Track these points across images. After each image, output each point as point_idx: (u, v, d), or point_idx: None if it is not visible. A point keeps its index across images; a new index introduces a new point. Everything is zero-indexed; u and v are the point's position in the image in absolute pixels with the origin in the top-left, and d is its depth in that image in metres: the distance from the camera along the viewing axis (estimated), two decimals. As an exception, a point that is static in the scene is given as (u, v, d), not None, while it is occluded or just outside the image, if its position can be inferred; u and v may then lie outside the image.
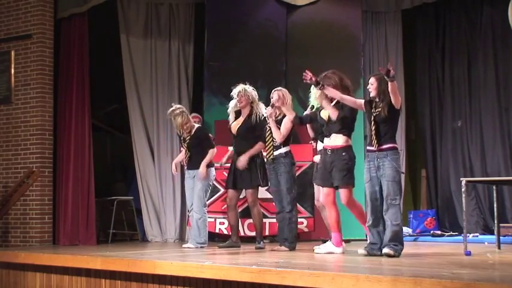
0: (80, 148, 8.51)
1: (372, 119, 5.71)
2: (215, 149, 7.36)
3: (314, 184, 6.77)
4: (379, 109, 5.67)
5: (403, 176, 9.21)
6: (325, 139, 6.14)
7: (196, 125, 7.45)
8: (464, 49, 9.29)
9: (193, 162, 7.31)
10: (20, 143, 8.54)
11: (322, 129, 6.23)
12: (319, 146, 6.55)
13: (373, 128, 5.69)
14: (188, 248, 7.15)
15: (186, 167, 7.48)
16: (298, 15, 9.04)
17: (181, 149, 7.60)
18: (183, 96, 9.02)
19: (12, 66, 8.66)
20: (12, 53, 8.67)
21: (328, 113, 6.05)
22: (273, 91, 6.92)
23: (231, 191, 7.22)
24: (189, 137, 7.32)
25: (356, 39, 8.99)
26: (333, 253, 6.06)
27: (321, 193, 6.56)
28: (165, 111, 8.93)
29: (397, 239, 5.59)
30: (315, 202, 7.12)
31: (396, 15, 9.49)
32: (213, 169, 7.38)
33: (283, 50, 8.95)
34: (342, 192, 6.03)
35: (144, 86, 9.03)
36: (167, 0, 9.10)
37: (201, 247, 7.14)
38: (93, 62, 8.74)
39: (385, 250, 5.56)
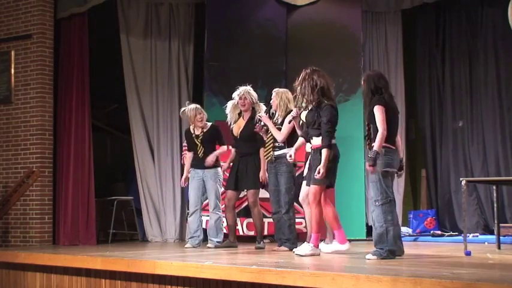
0: (80, 148, 8.51)
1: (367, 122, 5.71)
2: (226, 148, 7.40)
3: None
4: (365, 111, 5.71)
5: (402, 176, 9.22)
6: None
7: (210, 123, 7.48)
8: (464, 49, 9.29)
9: (203, 162, 7.29)
10: (20, 143, 8.54)
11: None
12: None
13: (367, 128, 5.67)
14: (208, 248, 7.14)
15: (193, 166, 7.42)
16: (298, 15, 9.04)
17: (184, 153, 7.59)
18: (183, 96, 9.02)
19: (12, 66, 8.66)
20: (12, 53, 8.68)
21: (303, 116, 6.10)
22: (273, 91, 6.95)
23: (230, 192, 7.22)
24: (202, 133, 7.36)
25: (356, 39, 8.98)
26: (314, 254, 5.87)
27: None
28: (165, 111, 8.98)
29: (382, 241, 5.45)
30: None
31: (396, 15, 9.49)
32: (220, 169, 7.40)
33: (283, 50, 8.95)
34: (310, 189, 5.95)
35: (144, 86, 9.03)
36: (167, 0, 9.10)
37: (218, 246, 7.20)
38: (93, 62, 8.74)
39: (368, 255, 5.48)
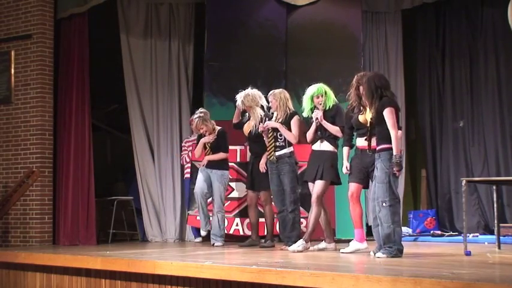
0: (80, 148, 8.50)
1: (368, 121, 5.79)
2: (227, 154, 7.68)
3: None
4: (371, 112, 5.72)
5: (402, 176, 9.24)
6: (360, 139, 6.13)
7: (218, 128, 7.73)
8: (464, 49, 9.28)
9: (212, 163, 7.59)
10: (20, 143, 8.53)
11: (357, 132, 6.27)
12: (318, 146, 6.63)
13: (368, 130, 5.77)
14: (216, 246, 7.40)
15: (203, 164, 7.69)
16: (298, 15, 9.03)
17: (184, 152, 7.76)
18: (183, 96, 9.02)
19: (12, 66, 8.65)
20: (12, 53, 8.67)
21: (369, 116, 6.03)
22: (268, 95, 7.03)
23: (250, 192, 7.39)
24: (213, 141, 7.65)
25: (356, 39, 8.98)
26: (359, 249, 6.14)
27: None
28: (165, 111, 8.98)
29: (390, 241, 5.55)
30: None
31: (396, 15, 9.48)
32: (227, 172, 7.64)
33: (283, 50, 8.94)
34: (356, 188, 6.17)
35: (144, 86, 9.03)
36: (167, 0, 9.10)
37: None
38: (93, 62, 8.73)
39: (378, 254, 5.61)
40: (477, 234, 8.36)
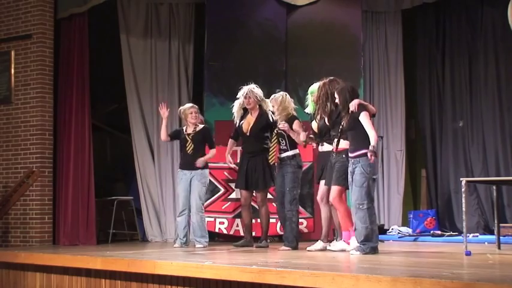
0: (80, 148, 8.51)
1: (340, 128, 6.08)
2: (215, 151, 7.54)
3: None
4: (344, 119, 5.99)
5: (402, 176, 9.25)
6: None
7: (203, 125, 7.62)
8: (464, 49, 9.28)
9: (192, 161, 7.36)
10: (20, 143, 8.54)
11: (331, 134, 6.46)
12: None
13: (339, 135, 6.10)
14: (198, 248, 7.24)
15: (181, 167, 7.52)
16: (298, 15, 9.04)
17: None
18: (183, 96, 9.02)
19: (12, 66, 8.66)
20: (12, 53, 8.67)
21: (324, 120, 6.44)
22: (270, 99, 7.04)
23: (244, 191, 7.30)
24: (194, 132, 7.45)
25: (356, 39, 8.99)
26: (345, 250, 6.17)
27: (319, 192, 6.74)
28: (165, 111, 8.98)
29: (367, 239, 5.77)
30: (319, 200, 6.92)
31: (396, 15, 9.49)
32: (207, 171, 7.51)
33: (283, 50, 8.95)
34: (333, 189, 6.24)
35: (144, 86, 9.03)
36: (167, 0, 9.10)
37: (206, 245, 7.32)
38: (93, 62, 8.73)
39: (352, 251, 5.84)
40: (477, 234, 8.36)
